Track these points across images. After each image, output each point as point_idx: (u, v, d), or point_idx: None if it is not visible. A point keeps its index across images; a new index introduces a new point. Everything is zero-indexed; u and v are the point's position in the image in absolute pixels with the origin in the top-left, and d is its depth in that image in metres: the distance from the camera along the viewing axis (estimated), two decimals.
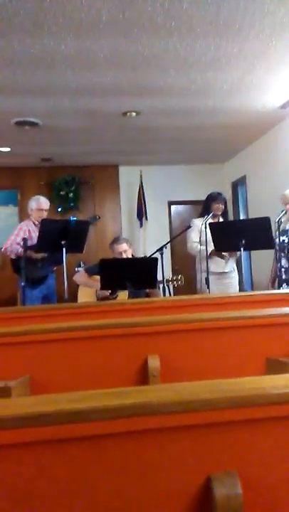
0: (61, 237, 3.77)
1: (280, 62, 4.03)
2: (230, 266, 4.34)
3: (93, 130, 5.81)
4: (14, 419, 0.69)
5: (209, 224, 3.86)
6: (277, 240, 3.83)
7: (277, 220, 3.83)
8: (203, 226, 3.96)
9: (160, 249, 4.22)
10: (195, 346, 1.72)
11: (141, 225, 7.77)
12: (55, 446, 0.70)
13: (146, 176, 7.77)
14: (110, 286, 3.63)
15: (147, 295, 3.85)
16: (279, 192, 4.29)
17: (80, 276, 4.15)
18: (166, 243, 4.46)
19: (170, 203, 8.18)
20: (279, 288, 3.91)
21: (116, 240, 4.15)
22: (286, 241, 3.89)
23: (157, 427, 0.71)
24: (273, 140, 6.19)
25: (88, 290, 4.07)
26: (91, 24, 3.26)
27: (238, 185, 7.70)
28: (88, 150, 6.83)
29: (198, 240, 4.22)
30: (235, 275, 4.40)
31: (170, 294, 4.71)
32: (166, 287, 4.25)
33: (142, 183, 7.73)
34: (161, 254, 4.15)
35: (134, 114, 5.19)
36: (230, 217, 7.51)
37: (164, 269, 4.19)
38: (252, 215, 6.69)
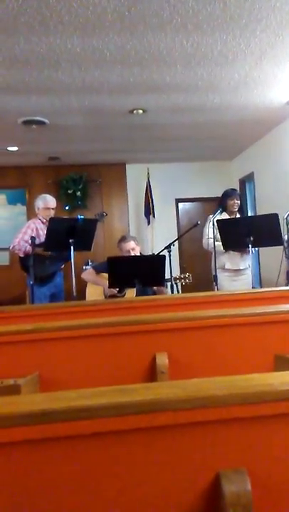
0: (69, 235, 3.78)
1: (287, 58, 4.00)
2: (246, 263, 4.32)
3: (100, 128, 5.81)
4: (24, 416, 0.69)
5: (217, 221, 3.85)
6: (285, 236, 3.81)
7: (285, 217, 3.81)
8: (212, 223, 3.95)
9: (168, 247, 4.22)
10: (203, 343, 1.72)
11: (148, 222, 7.76)
12: (64, 443, 0.70)
13: (153, 173, 7.76)
14: (118, 284, 3.64)
15: (154, 293, 3.85)
16: (287, 188, 4.26)
17: (88, 273, 4.16)
18: (174, 241, 4.45)
19: (177, 201, 8.16)
20: (287, 284, 3.89)
21: (123, 239, 4.15)
22: None
23: (166, 424, 0.71)
24: (281, 136, 6.14)
25: (96, 288, 4.08)
26: (97, 22, 3.26)
27: (246, 182, 7.66)
28: (95, 148, 6.83)
29: (212, 236, 4.21)
30: (250, 272, 4.37)
31: (178, 292, 4.70)
32: (175, 285, 4.25)
33: (149, 180, 7.73)
34: (169, 251, 4.14)
35: (140, 111, 5.18)
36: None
37: (172, 267, 4.18)
38: (260, 212, 6.65)
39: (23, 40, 3.48)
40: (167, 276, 3.89)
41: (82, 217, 5.47)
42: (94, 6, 3.06)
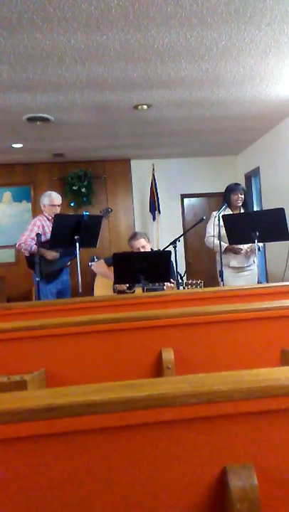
0: (74, 231, 3.78)
1: None
2: (251, 259, 4.31)
3: (104, 124, 5.80)
4: (31, 411, 0.69)
5: (222, 216, 3.84)
6: None
7: None
8: (216, 219, 3.93)
9: (173, 243, 4.21)
10: (209, 339, 1.72)
11: (154, 218, 7.76)
12: (71, 438, 0.70)
13: (158, 169, 7.75)
14: (123, 280, 3.63)
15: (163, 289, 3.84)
16: None
17: (99, 265, 4.16)
18: (179, 236, 4.44)
19: (183, 196, 8.15)
20: None
21: (133, 236, 4.14)
22: None
23: (173, 419, 0.71)
24: (287, 130, 6.11)
25: (105, 282, 4.08)
26: (100, 17, 3.25)
27: (252, 176, 7.63)
28: (100, 144, 6.83)
29: (214, 234, 4.20)
30: (255, 268, 4.34)
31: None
32: (181, 280, 4.23)
33: (154, 176, 7.71)
34: (175, 247, 4.14)
35: (145, 106, 5.16)
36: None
37: (178, 263, 4.18)
38: (266, 207, 6.63)
39: (27, 37, 3.47)
40: (178, 278, 3.88)
41: (87, 213, 5.47)
42: (97, 1, 3.05)
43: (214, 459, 0.72)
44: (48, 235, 4.13)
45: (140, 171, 7.87)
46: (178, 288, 4.19)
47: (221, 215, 3.85)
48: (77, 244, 3.80)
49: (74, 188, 7.62)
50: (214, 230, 4.06)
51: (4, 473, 0.69)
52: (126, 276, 3.51)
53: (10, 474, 0.69)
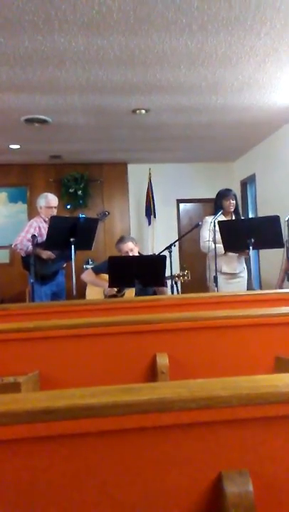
0: (70, 234, 3.78)
1: None
2: (242, 266, 4.34)
3: (102, 127, 5.81)
4: (27, 413, 0.69)
5: (218, 222, 3.85)
6: (287, 238, 3.81)
7: (287, 219, 3.81)
8: (212, 224, 3.95)
9: (169, 248, 4.22)
10: (203, 344, 1.72)
11: (149, 223, 7.77)
12: (68, 441, 0.70)
13: (155, 173, 7.76)
14: (118, 283, 3.63)
15: (154, 293, 3.84)
16: (288, 191, 4.26)
17: (87, 275, 4.16)
18: (175, 241, 4.44)
19: (179, 201, 8.17)
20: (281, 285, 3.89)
21: (121, 240, 4.15)
22: None
23: (170, 424, 0.71)
24: (283, 138, 6.15)
25: (96, 288, 4.08)
26: (102, 21, 3.26)
27: (248, 183, 7.67)
28: (97, 147, 6.84)
29: (209, 238, 4.21)
30: (245, 275, 4.38)
31: (178, 292, 4.71)
32: (175, 285, 4.24)
33: (150, 180, 7.73)
34: (170, 252, 4.14)
35: (143, 111, 5.18)
36: (242, 215, 7.51)
37: (173, 268, 4.18)
38: (261, 214, 6.66)
39: (28, 39, 3.48)
40: (167, 275, 3.88)
41: (83, 216, 5.46)
42: (99, 5, 3.07)
43: (210, 465, 0.72)
44: (44, 237, 4.12)
45: (137, 175, 7.88)
46: (172, 287, 4.19)
47: (217, 222, 3.87)
48: (73, 246, 3.79)
49: (70, 190, 7.62)
50: (210, 236, 4.07)
51: (0, 475, 0.68)
52: (121, 280, 3.51)
53: (6, 476, 0.69)
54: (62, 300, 4.33)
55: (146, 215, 7.80)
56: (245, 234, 3.63)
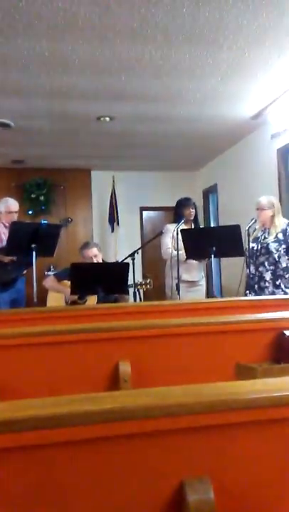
0: (32, 240, 3.72)
1: (252, 74, 4.12)
2: (200, 275, 4.41)
3: (66, 133, 5.77)
4: None
5: (181, 231, 3.90)
6: (247, 246, 3.90)
7: (247, 228, 3.90)
8: (175, 232, 3.99)
9: (132, 255, 4.22)
10: (166, 352, 1.72)
11: (112, 230, 7.75)
12: (28, 453, 0.68)
13: (118, 181, 7.77)
14: (80, 290, 3.60)
15: (116, 300, 3.83)
16: (249, 200, 4.38)
17: (50, 281, 4.10)
18: (138, 249, 4.46)
19: (142, 209, 8.20)
20: (245, 293, 3.98)
21: (86, 245, 4.12)
22: (255, 248, 3.96)
23: (133, 432, 0.70)
24: (244, 150, 6.31)
25: (57, 295, 4.02)
26: (67, 27, 3.25)
27: (210, 193, 7.81)
28: (61, 153, 6.78)
29: (171, 246, 4.26)
30: (204, 283, 4.48)
31: (140, 300, 4.71)
32: (137, 292, 4.25)
33: (114, 188, 7.73)
34: (133, 259, 4.15)
35: (108, 118, 5.19)
36: (201, 224, 7.63)
37: (135, 275, 4.19)
38: (222, 223, 6.78)
39: None
40: (130, 283, 3.89)
41: (45, 222, 5.39)
42: (64, 11, 3.06)
43: (172, 473, 0.72)
44: (5, 242, 4.03)
45: (100, 181, 7.86)
46: (134, 295, 4.20)
47: (180, 230, 3.91)
48: (34, 253, 3.73)
49: (32, 195, 7.50)
50: (172, 244, 4.11)
51: None
52: (83, 287, 3.47)
53: None
54: (22, 307, 4.24)
55: (109, 222, 7.78)
56: (207, 242, 3.68)
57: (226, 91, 4.50)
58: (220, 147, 6.68)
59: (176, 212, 4.45)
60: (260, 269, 3.88)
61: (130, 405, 0.69)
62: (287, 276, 3.82)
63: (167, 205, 7.87)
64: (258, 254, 3.93)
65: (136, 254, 4.28)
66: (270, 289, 3.81)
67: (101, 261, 4.08)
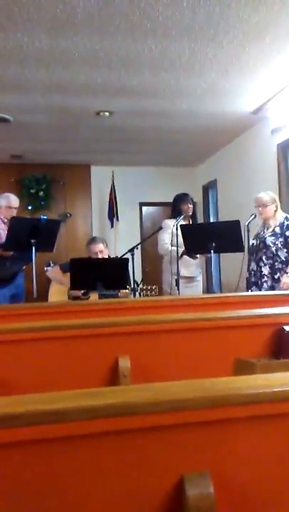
0: (31, 235, 3.71)
1: (252, 69, 4.10)
2: (197, 270, 4.42)
3: (66, 128, 5.75)
4: None
5: (180, 226, 3.90)
6: (247, 243, 3.90)
7: (246, 224, 3.89)
8: (175, 228, 3.99)
9: (131, 250, 4.22)
10: (165, 347, 1.73)
11: (112, 225, 7.74)
12: (30, 448, 0.68)
13: (118, 176, 7.75)
14: (80, 286, 3.60)
15: (118, 296, 3.83)
16: (248, 196, 4.37)
17: (54, 271, 4.09)
18: (138, 244, 4.45)
19: (141, 204, 8.19)
20: (248, 290, 3.97)
21: (92, 240, 4.12)
22: (255, 244, 3.96)
23: (134, 428, 0.70)
24: (244, 145, 6.29)
25: (60, 288, 4.02)
26: (66, 21, 3.23)
27: (209, 188, 7.79)
28: (60, 148, 6.76)
29: (169, 242, 4.26)
30: (201, 279, 4.50)
31: (140, 295, 4.71)
32: (139, 295, 4.24)
33: (113, 183, 7.71)
34: (132, 255, 4.15)
35: (107, 113, 5.17)
36: (200, 219, 7.63)
37: (135, 270, 4.19)
38: (222, 219, 6.78)
39: None
40: (132, 283, 3.89)
41: (45, 217, 5.38)
42: (63, 4, 3.04)
43: (173, 468, 0.73)
44: (4, 238, 4.03)
45: (100, 177, 7.85)
46: (134, 295, 4.19)
47: (179, 225, 3.91)
48: (34, 248, 3.72)
49: (32, 191, 7.49)
50: (173, 239, 4.12)
51: None
52: (82, 282, 3.47)
53: None
54: (22, 302, 4.24)
55: (108, 217, 7.77)
56: (207, 238, 3.68)
57: (226, 86, 4.49)
58: (220, 142, 6.66)
59: (174, 208, 4.46)
60: (260, 264, 3.88)
61: (130, 400, 0.69)
62: (286, 269, 3.82)
63: (167, 200, 7.83)
64: (257, 249, 3.93)
65: (135, 249, 4.27)
66: (269, 283, 3.80)
67: (106, 257, 4.07)
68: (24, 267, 4.44)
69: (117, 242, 7.55)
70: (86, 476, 0.70)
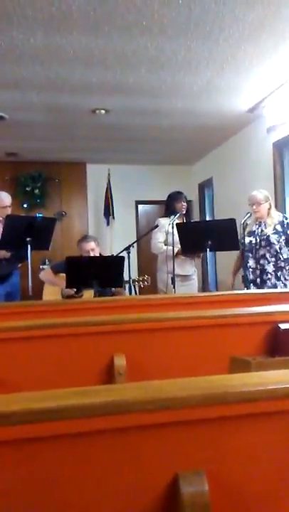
0: (26, 233, 3.70)
1: (248, 67, 4.10)
2: (192, 269, 4.42)
3: (61, 126, 5.73)
4: None
5: (176, 224, 3.89)
6: (243, 241, 3.90)
7: (242, 222, 3.89)
8: (170, 227, 3.99)
9: (127, 249, 4.22)
10: (161, 345, 1.73)
11: (108, 223, 7.73)
12: (23, 446, 0.68)
13: (114, 174, 7.74)
14: (76, 284, 3.59)
15: (113, 294, 3.83)
16: (244, 194, 4.37)
17: (46, 273, 4.09)
18: (133, 242, 4.45)
19: (137, 203, 8.18)
20: (246, 288, 3.98)
21: (84, 238, 4.12)
22: (253, 242, 3.96)
23: (128, 426, 0.70)
24: (240, 143, 6.30)
25: (53, 288, 4.02)
26: (61, 19, 3.22)
27: (205, 186, 7.80)
28: (56, 146, 6.74)
29: (163, 240, 4.27)
30: (196, 277, 4.50)
31: (136, 294, 4.72)
32: (133, 287, 4.25)
33: (109, 181, 7.70)
34: (128, 253, 4.15)
35: (103, 111, 5.16)
36: (196, 217, 7.63)
37: (131, 269, 4.19)
38: (218, 217, 6.78)
39: None
40: (126, 277, 3.89)
41: (40, 215, 5.37)
42: (59, 2, 3.03)
43: (167, 466, 0.73)
44: None
45: (96, 175, 7.83)
46: (129, 290, 4.20)
47: (175, 224, 3.91)
48: (29, 246, 3.71)
49: (27, 189, 7.47)
50: (168, 238, 4.11)
51: None
52: (78, 280, 3.47)
53: None
54: (17, 300, 4.23)
55: (104, 215, 7.76)
56: (203, 236, 3.68)
57: (222, 84, 4.48)
58: (216, 141, 6.66)
59: (168, 206, 4.46)
60: (262, 261, 3.90)
61: (125, 398, 0.69)
62: (287, 267, 3.85)
63: (163, 198, 7.82)
64: (257, 247, 3.94)
65: (131, 247, 4.27)
66: (273, 281, 3.84)
67: (98, 255, 4.07)
68: (20, 265, 4.42)
69: (113, 240, 7.55)
70: (80, 474, 0.70)
